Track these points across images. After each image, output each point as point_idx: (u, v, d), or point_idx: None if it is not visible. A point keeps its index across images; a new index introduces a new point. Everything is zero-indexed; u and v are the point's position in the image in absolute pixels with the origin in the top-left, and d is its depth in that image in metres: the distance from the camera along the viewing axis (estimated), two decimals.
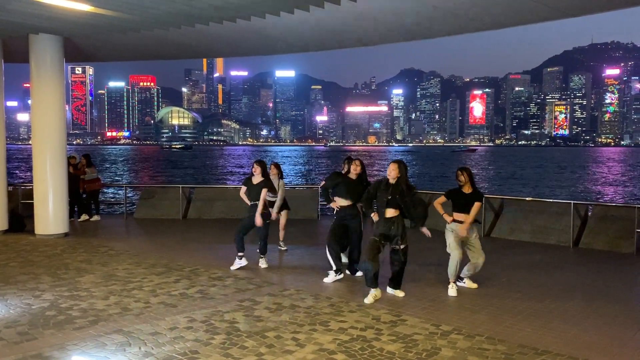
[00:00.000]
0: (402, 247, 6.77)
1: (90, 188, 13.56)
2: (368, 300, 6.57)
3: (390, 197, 6.68)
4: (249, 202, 8.44)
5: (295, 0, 8.14)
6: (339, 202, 7.76)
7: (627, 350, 5.15)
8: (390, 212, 6.73)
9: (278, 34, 10.28)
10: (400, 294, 6.91)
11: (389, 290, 7.02)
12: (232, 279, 7.68)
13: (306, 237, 11.08)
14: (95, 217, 13.57)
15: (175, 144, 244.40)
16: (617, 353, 5.06)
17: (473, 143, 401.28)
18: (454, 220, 7.19)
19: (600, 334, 5.58)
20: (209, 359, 4.79)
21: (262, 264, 8.53)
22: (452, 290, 7.06)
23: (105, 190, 33.01)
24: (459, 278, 7.38)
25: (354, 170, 7.76)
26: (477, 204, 7.10)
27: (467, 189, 7.16)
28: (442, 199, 7.39)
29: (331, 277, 7.63)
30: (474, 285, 7.35)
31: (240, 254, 8.38)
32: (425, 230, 6.83)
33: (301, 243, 10.42)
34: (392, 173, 6.72)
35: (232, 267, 8.33)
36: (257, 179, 8.39)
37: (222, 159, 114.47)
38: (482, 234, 11.30)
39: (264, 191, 8.24)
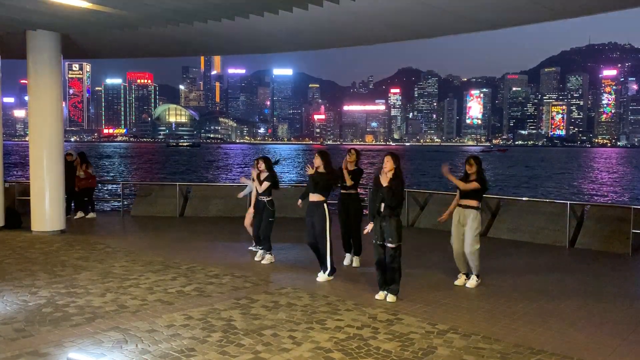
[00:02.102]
0: (391, 245, 6.58)
1: (84, 186, 13.49)
2: (379, 296, 6.69)
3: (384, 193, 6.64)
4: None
5: None
6: (310, 197, 7.82)
7: (622, 349, 5.18)
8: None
9: (276, 32, 10.27)
10: (391, 298, 6.59)
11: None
12: (229, 277, 7.68)
13: (303, 235, 11.05)
14: (92, 215, 13.54)
15: (183, 142, 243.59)
16: (612, 353, 5.08)
17: (470, 143, 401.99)
18: (458, 205, 7.33)
19: (596, 333, 5.61)
20: (206, 356, 4.80)
21: (266, 260, 8.69)
22: (457, 281, 7.41)
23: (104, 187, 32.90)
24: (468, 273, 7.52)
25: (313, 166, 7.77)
26: (474, 183, 7.21)
27: (472, 177, 7.25)
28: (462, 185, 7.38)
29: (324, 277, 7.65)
30: (462, 283, 7.44)
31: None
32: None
33: (298, 241, 10.42)
34: (386, 166, 6.66)
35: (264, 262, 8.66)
36: (263, 175, 8.74)
37: (221, 157, 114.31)
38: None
39: (265, 184, 8.69)
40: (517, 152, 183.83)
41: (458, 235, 7.35)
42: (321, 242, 7.60)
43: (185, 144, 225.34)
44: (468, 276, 7.49)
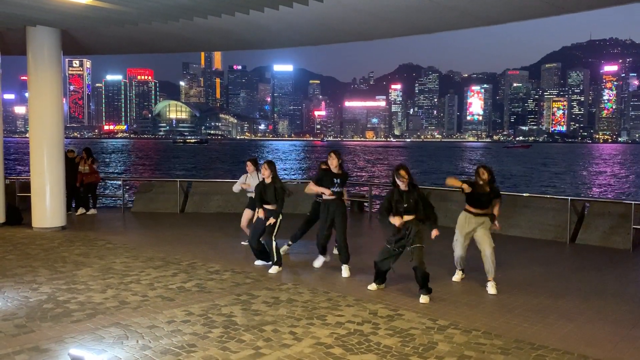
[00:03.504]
0: (416, 245, 6.58)
1: (88, 181, 13.50)
2: (371, 287, 6.93)
3: (406, 205, 6.58)
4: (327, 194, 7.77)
5: None
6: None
7: (623, 345, 5.18)
8: (407, 218, 6.63)
9: (277, 27, 10.26)
10: (423, 299, 6.48)
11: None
12: (230, 273, 7.69)
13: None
14: (92, 211, 13.54)
15: (190, 138, 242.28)
16: (613, 348, 5.08)
17: (471, 139, 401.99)
18: (466, 210, 7.29)
19: (596, 329, 5.61)
20: (207, 352, 4.80)
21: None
22: (455, 277, 7.55)
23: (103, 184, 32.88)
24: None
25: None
26: (496, 201, 7.25)
27: (485, 187, 7.11)
28: (467, 187, 7.17)
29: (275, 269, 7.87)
30: (493, 291, 6.97)
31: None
32: (435, 231, 6.68)
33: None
34: (404, 180, 6.57)
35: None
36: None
37: (224, 155, 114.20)
38: None
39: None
40: (540, 148, 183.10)
41: (464, 241, 7.34)
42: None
43: (192, 140, 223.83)
44: (464, 272, 7.60)
